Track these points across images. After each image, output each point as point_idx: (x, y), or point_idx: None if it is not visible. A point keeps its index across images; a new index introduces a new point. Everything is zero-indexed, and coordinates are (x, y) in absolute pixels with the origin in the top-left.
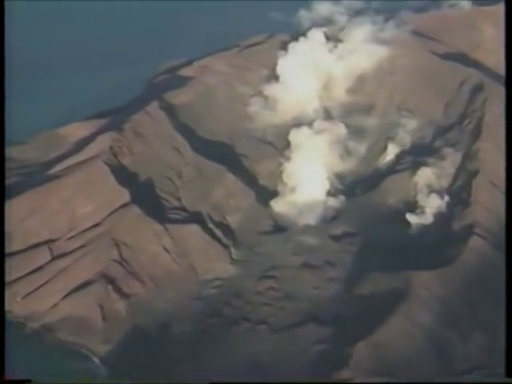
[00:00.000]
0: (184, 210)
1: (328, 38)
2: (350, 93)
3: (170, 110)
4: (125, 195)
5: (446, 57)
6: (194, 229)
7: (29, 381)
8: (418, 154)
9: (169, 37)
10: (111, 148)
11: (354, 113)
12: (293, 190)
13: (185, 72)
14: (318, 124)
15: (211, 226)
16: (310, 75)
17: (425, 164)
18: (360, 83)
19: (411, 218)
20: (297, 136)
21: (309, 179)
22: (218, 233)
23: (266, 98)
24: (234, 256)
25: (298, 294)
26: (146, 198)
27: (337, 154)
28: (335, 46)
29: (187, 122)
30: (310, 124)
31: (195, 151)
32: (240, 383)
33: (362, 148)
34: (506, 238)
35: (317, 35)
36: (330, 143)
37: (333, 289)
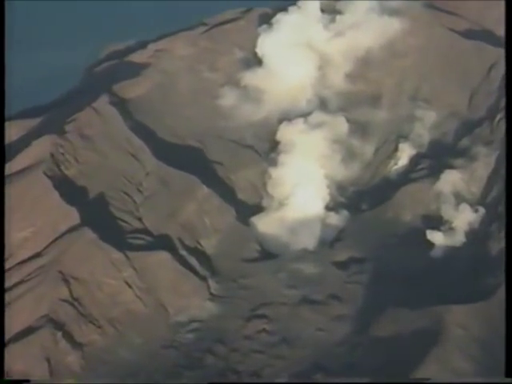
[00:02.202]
0: (148, 233)
1: (323, 10)
2: (351, 79)
3: (122, 105)
4: (72, 216)
5: (469, 35)
6: (162, 257)
7: (28, 381)
8: (439, 155)
9: (114, 12)
10: (52, 156)
11: (356, 104)
12: (281, 204)
13: (137, 57)
14: (314, 117)
15: (183, 252)
16: (301, 57)
17: (450, 166)
18: (363, 67)
19: (435, 237)
20: (286, 134)
21: (302, 190)
22: (192, 261)
23: (243, 87)
24: (213, 290)
25: (297, 338)
26: (99, 218)
27: (337, 157)
28: (332, 20)
29: (145, 121)
30: (302, 119)
31: (157, 158)
32: (240, 383)
33: (368, 149)
34: (505, 238)
35: (309, 5)
36: (328, 142)
37: (342, 330)
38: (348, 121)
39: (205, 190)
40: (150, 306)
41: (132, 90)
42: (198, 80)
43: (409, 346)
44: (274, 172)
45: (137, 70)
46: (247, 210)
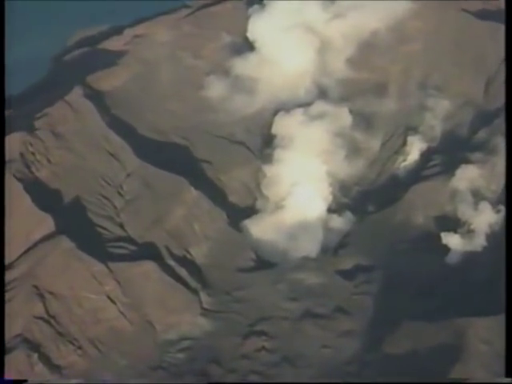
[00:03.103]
0: (131, 241)
1: None
2: (354, 65)
3: (98, 98)
4: (47, 222)
5: (484, 15)
6: (148, 268)
7: (25, 381)
8: (454, 149)
9: None
10: (22, 156)
11: (359, 93)
12: (278, 206)
13: (112, 44)
14: (314, 108)
15: (171, 262)
16: (298, 41)
17: (466, 161)
18: (367, 52)
19: (451, 240)
20: (283, 126)
21: (301, 189)
22: (182, 272)
23: (233, 77)
24: (205, 305)
25: (301, 356)
26: (76, 225)
27: (340, 153)
28: (332, 1)
29: (124, 116)
30: (301, 109)
31: (139, 157)
32: (240, 383)
33: (373, 144)
34: (506, 238)
35: None
36: (330, 136)
37: (350, 347)
38: (351, 112)
39: (193, 192)
40: (136, 323)
41: (108, 81)
42: (181, 69)
43: (427, 364)
44: (269, 170)
45: (112, 58)
46: (240, 214)
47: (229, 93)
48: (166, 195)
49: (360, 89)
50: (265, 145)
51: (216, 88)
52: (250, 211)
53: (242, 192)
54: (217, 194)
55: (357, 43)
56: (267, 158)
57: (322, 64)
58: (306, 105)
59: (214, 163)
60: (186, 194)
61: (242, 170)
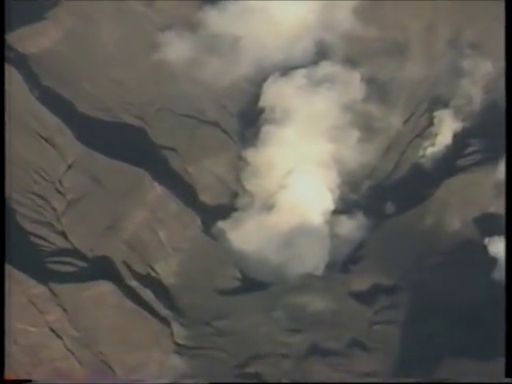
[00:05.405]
0: (78, 254)
1: None
2: (363, 17)
3: (23, 65)
4: None
5: None
6: (103, 290)
7: (29, 381)
8: (499, 129)
9: None
10: None
11: (373, 55)
12: (267, 205)
13: None
14: (317, 71)
15: (132, 282)
16: None
17: None
18: (379, 2)
19: (499, 249)
20: (274, 95)
21: (297, 179)
22: (147, 295)
23: (204, 33)
24: (178, 339)
25: None
26: (5, 234)
27: (350, 133)
28: None
29: (58, 88)
30: (302, 71)
31: (82, 142)
32: (240, 383)
33: (392, 122)
34: (506, 238)
35: None
36: (338, 109)
37: None
38: (363, 79)
39: (157, 189)
40: (88, 364)
41: (35, 41)
42: (130, 24)
43: None
44: (253, 156)
45: (39, 10)
46: (217, 217)
47: (196, 55)
48: (121, 193)
49: (374, 49)
50: (246, 124)
51: (179, 49)
52: (229, 213)
53: (218, 187)
54: (185, 192)
55: None
56: (250, 141)
57: (324, 15)
58: (302, 67)
59: (180, 150)
60: (146, 192)
61: (217, 159)
